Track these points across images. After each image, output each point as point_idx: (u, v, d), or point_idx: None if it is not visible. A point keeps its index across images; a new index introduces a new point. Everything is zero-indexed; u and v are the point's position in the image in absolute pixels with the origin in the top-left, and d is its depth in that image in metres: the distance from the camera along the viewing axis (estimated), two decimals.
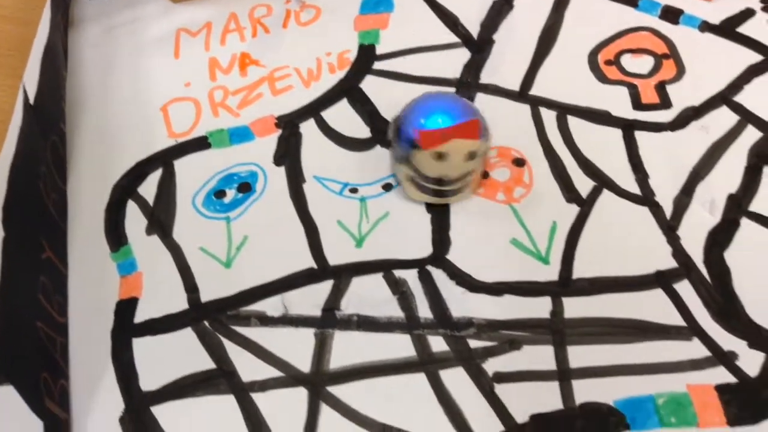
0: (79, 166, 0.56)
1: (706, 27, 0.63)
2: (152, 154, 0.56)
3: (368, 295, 0.49)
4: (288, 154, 0.56)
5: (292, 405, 0.44)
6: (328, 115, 0.58)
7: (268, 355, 0.46)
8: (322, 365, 0.46)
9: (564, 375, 0.45)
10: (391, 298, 0.48)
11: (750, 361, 0.45)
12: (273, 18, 0.65)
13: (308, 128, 0.57)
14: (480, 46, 0.62)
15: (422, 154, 0.48)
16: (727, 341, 0.46)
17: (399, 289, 0.49)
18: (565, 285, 0.49)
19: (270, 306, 0.48)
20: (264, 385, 0.45)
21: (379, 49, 0.62)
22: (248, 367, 0.46)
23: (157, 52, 0.63)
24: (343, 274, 0.49)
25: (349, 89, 0.60)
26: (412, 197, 0.52)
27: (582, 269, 0.49)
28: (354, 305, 0.48)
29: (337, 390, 0.45)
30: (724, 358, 0.45)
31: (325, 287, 0.49)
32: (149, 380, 0.46)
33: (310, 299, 0.48)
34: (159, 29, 0.64)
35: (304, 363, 0.46)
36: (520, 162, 0.55)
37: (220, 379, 0.45)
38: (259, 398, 0.45)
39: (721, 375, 0.45)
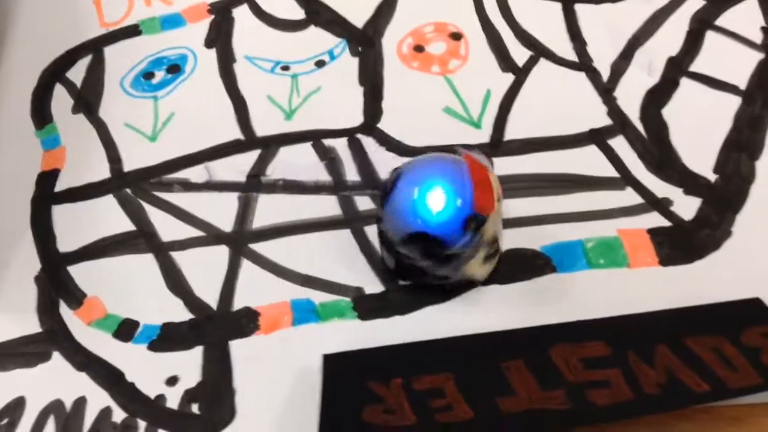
0: (8, 56, 0.55)
1: None
2: (82, 42, 0.55)
3: (295, 162, 0.47)
4: (219, 37, 0.54)
5: (212, 261, 0.43)
6: (262, 0, 0.57)
7: (190, 217, 0.45)
8: (244, 225, 0.44)
9: None
10: (318, 164, 0.47)
11: (685, 207, 0.44)
12: None
13: (241, 12, 0.56)
14: None
15: (490, 219, 0.37)
16: (662, 189, 0.45)
17: (327, 155, 0.47)
18: (497, 146, 0.47)
19: (194, 173, 0.47)
20: (184, 245, 0.44)
21: None
22: (169, 229, 0.44)
23: None
24: (270, 144, 0.48)
25: None
26: (484, 274, 0.41)
27: (514, 132, 0.48)
28: (280, 171, 0.47)
29: (259, 246, 0.44)
30: (657, 204, 0.44)
31: (252, 156, 0.48)
32: (67, 243, 0.44)
33: (236, 167, 0.47)
34: None
35: (226, 224, 0.45)
36: (456, 36, 0.53)
37: (140, 239, 0.44)
38: (179, 256, 0.43)
39: (655, 220, 0.43)
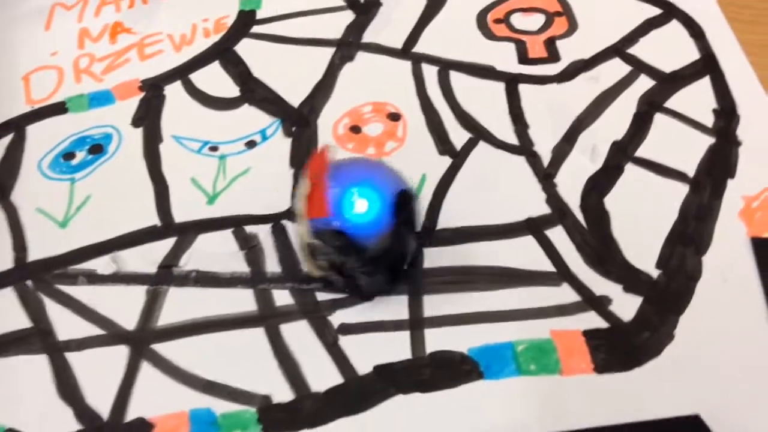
0: None
1: None
2: (5, 120, 0.52)
3: (213, 251, 0.44)
4: (148, 115, 0.52)
5: (109, 363, 0.39)
6: (196, 77, 0.55)
7: (92, 313, 0.42)
8: (149, 323, 0.41)
9: (416, 324, 0.40)
10: (237, 254, 0.44)
11: (624, 306, 0.41)
12: None
13: (173, 90, 0.54)
14: (366, 8, 0.59)
15: None
16: (601, 286, 0.41)
17: (248, 244, 0.44)
18: (427, 235, 0.44)
19: (101, 264, 0.44)
20: (81, 344, 0.40)
21: (260, 14, 0.59)
22: (67, 326, 0.41)
23: (27, 25, 0.60)
24: (188, 231, 0.45)
25: (222, 51, 0.56)
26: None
27: (447, 220, 0.45)
28: (195, 262, 0.44)
29: (162, 347, 0.40)
30: (595, 302, 0.41)
31: (167, 244, 0.45)
32: None
33: (148, 257, 0.44)
34: (33, 4, 0.61)
35: (130, 321, 0.41)
36: (395, 116, 0.51)
37: (34, 338, 0.41)
38: (74, 357, 0.40)
39: (592, 321, 0.40)
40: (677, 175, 0.46)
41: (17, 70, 0.56)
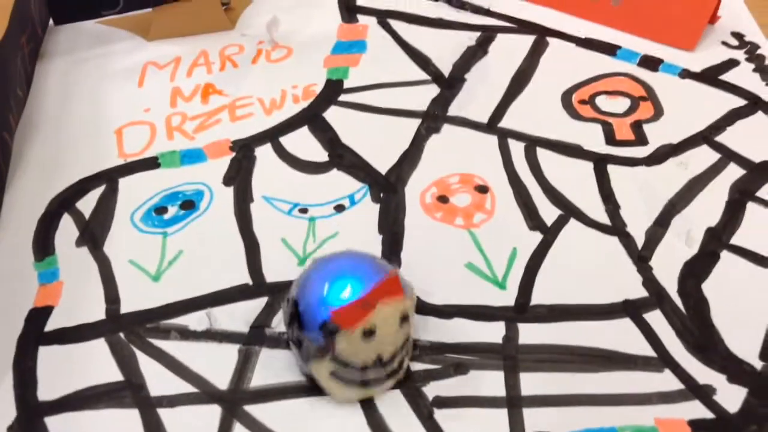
0: (21, 180, 0.53)
1: (686, 74, 0.61)
2: (98, 171, 0.54)
3: None
4: (239, 175, 0.53)
5: (202, 423, 0.39)
6: (286, 140, 0.56)
7: (184, 369, 0.41)
8: (242, 383, 0.41)
9: (514, 402, 0.39)
10: None
11: (729, 397, 0.39)
12: (243, 55, 0.64)
13: (263, 152, 0.55)
14: (451, 83, 0.60)
15: (346, 338, 0.37)
16: (704, 375, 0.40)
17: None
18: (522, 311, 0.44)
19: (194, 320, 0.44)
20: (173, 401, 0.40)
21: (347, 84, 0.61)
22: (160, 382, 0.41)
23: (121, 81, 0.61)
24: (280, 292, 0.45)
25: (311, 117, 0.57)
26: (342, 398, 0.39)
27: (541, 296, 0.45)
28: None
29: (255, 409, 0.40)
30: (699, 391, 0.40)
31: (259, 304, 0.45)
32: (48, 390, 0.41)
33: (240, 316, 0.44)
34: (127, 62, 0.64)
35: (222, 380, 0.41)
36: (483, 189, 0.51)
37: (126, 391, 0.40)
38: (165, 414, 0.39)
39: (696, 410, 0.39)
40: None
41: (111, 124, 0.57)
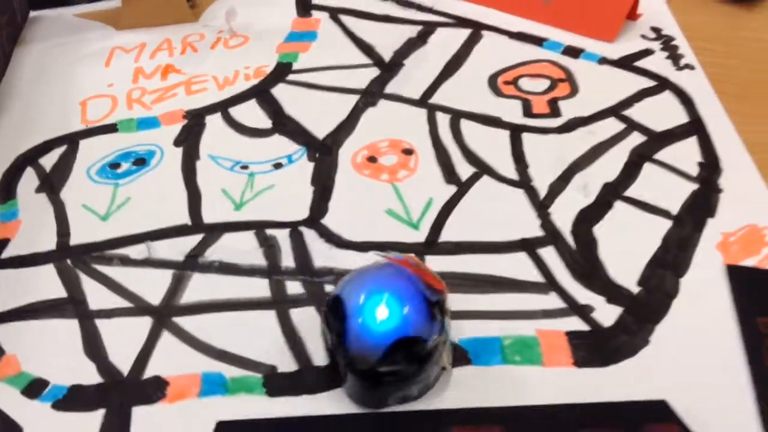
0: None
1: (604, 61, 0.67)
2: (61, 135, 0.59)
3: (234, 247, 0.49)
4: (189, 138, 0.58)
5: (133, 331, 0.44)
6: (235, 110, 0.61)
7: (122, 289, 0.46)
8: (172, 300, 0.45)
9: None
10: (257, 250, 0.49)
11: (606, 314, 0.44)
12: (204, 42, 0.70)
13: (213, 120, 0.60)
14: (390, 67, 0.66)
15: None
16: (585, 297, 0.45)
17: (267, 243, 0.49)
18: (431, 246, 0.49)
19: (135, 251, 0.49)
20: (110, 314, 0.45)
21: (296, 66, 0.67)
22: (99, 298, 0.46)
23: (90, 62, 0.67)
24: (215, 230, 0.50)
25: (260, 92, 0.63)
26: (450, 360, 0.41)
27: (449, 235, 0.50)
28: (218, 254, 0.48)
29: (182, 320, 0.44)
30: (579, 309, 0.44)
31: (195, 239, 0.50)
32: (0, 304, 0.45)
33: (177, 248, 0.49)
34: (97, 47, 0.70)
35: (155, 298, 0.46)
36: (408, 151, 0.57)
37: (68, 305, 0.45)
38: (102, 324, 0.44)
39: (575, 324, 0.44)
40: (662, 212, 0.51)
41: (77, 96, 0.63)
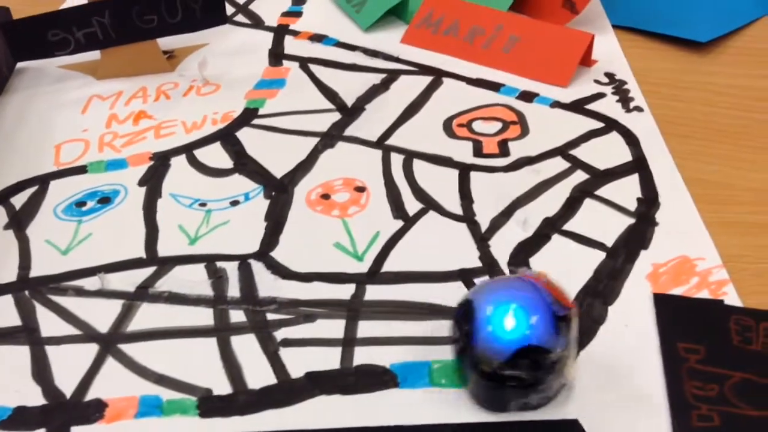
0: None
1: (556, 105, 0.70)
2: (33, 176, 0.62)
3: (184, 278, 0.51)
4: (153, 178, 0.61)
5: (80, 357, 0.46)
6: (199, 152, 0.65)
7: (73, 318, 0.48)
8: (119, 328, 0.48)
9: (348, 342, 0.46)
10: (205, 282, 0.51)
11: None
12: (177, 90, 0.74)
13: (178, 161, 0.64)
14: (352, 111, 0.70)
15: None
16: None
17: (216, 274, 0.51)
18: (372, 275, 0.51)
19: (89, 282, 0.51)
20: (60, 340, 0.47)
21: (262, 111, 0.70)
22: (51, 327, 0.48)
23: (68, 109, 0.71)
24: (168, 263, 0.53)
25: (224, 135, 0.67)
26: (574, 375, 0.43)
27: (391, 266, 0.52)
28: (169, 285, 0.51)
29: (126, 347, 0.46)
30: None
31: (148, 271, 0.52)
32: None
33: (129, 279, 0.51)
34: (76, 95, 0.74)
35: (104, 326, 0.48)
36: (361, 189, 0.60)
37: (21, 333, 0.47)
38: (51, 350, 0.46)
39: None
40: (597, 245, 0.53)
41: (52, 140, 0.67)
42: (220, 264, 0.53)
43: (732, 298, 0.48)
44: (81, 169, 0.63)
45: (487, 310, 0.40)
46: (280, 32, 0.85)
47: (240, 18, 0.89)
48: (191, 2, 0.74)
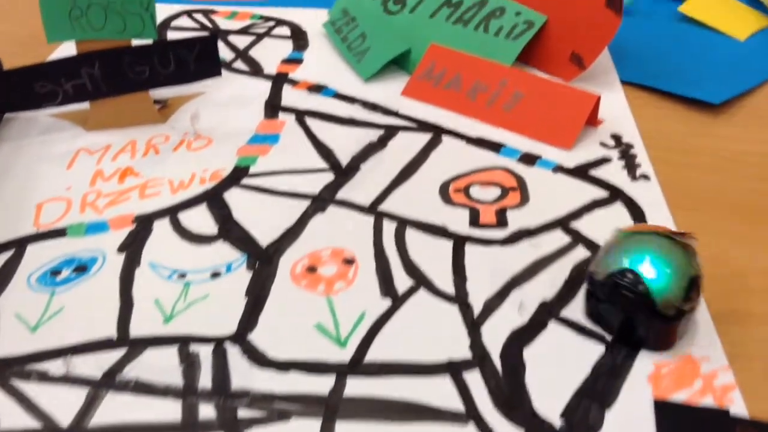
0: None
1: (559, 169, 0.67)
2: (10, 240, 0.60)
3: (155, 364, 0.48)
4: (133, 244, 0.59)
5: None
6: (183, 215, 0.62)
7: (35, 408, 0.46)
8: (82, 422, 0.45)
9: None
10: (177, 368, 0.48)
11: None
12: (167, 144, 0.72)
13: (161, 225, 0.61)
14: (346, 171, 0.67)
15: None
16: (505, 429, 0.44)
17: (188, 360, 0.49)
18: (354, 366, 0.48)
19: (55, 366, 0.48)
20: None
21: (252, 170, 0.67)
22: (11, 417, 0.45)
23: (54, 164, 0.69)
24: (138, 345, 0.50)
25: (212, 197, 0.64)
26: None
27: (376, 354, 0.49)
28: (137, 371, 0.48)
29: None
30: None
31: (118, 354, 0.49)
32: None
33: (97, 363, 0.48)
34: (64, 148, 0.71)
35: (66, 418, 0.45)
36: (349, 261, 0.57)
37: None
38: None
39: None
40: (596, 337, 0.50)
41: (33, 199, 0.64)
42: (193, 347, 0.50)
43: (738, 405, 0.44)
44: (60, 232, 0.61)
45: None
46: (279, 81, 0.83)
47: (239, 64, 0.86)
48: (185, 53, 0.72)
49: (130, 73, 0.71)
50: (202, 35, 0.73)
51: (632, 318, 0.47)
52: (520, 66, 0.81)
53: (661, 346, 0.48)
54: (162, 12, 0.96)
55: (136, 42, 0.70)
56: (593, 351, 0.49)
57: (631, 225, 0.54)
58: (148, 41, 0.70)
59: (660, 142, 0.70)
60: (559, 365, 0.48)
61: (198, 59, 0.72)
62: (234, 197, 0.64)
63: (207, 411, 0.45)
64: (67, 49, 0.84)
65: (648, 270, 0.46)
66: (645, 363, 0.47)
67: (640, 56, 0.83)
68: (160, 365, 0.48)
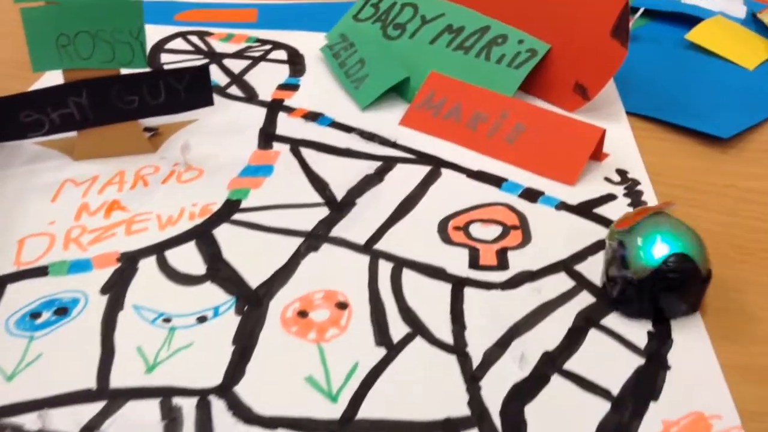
0: None
1: (562, 206, 0.64)
2: None
3: (135, 419, 0.46)
4: (117, 284, 0.56)
5: None
6: (170, 253, 0.59)
7: None
8: None
9: None
10: (158, 424, 0.45)
11: None
12: (157, 175, 0.69)
13: (147, 264, 0.58)
14: (341, 206, 0.64)
15: None
16: None
17: (170, 415, 0.46)
18: (345, 424, 0.45)
19: (30, 420, 0.46)
20: None
21: (244, 204, 0.65)
22: None
23: (38, 196, 0.66)
24: (119, 397, 0.47)
25: (201, 233, 0.61)
26: None
27: (369, 411, 0.46)
28: (116, 427, 0.45)
29: None
30: None
31: (96, 407, 0.47)
32: None
33: (74, 417, 0.46)
34: (50, 178, 0.69)
35: None
36: (343, 305, 0.54)
37: None
38: None
39: None
40: (601, 392, 0.47)
41: (15, 234, 0.62)
42: (176, 400, 0.47)
43: None
44: (42, 271, 0.58)
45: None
46: (274, 108, 0.80)
47: (233, 90, 0.84)
48: (175, 83, 0.70)
49: (118, 102, 0.69)
50: (194, 65, 0.70)
51: (680, 292, 0.51)
52: (522, 95, 0.78)
53: (698, 308, 0.52)
54: (156, 33, 0.94)
55: (125, 70, 0.68)
56: (599, 408, 0.46)
57: (615, 219, 0.56)
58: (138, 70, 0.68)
59: (667, 178, 0.68)
60: (562, 423, 0.45)
61: (189, 89, 0.70)
62: (224, 234, 0.62)
63: None
64: (54, 76, 0.81)
65: (672, 246, 0.50)
66: (654, 419, 0.45)
67: (646, 86, 0.81)
68: (141, 420, 0.46)
